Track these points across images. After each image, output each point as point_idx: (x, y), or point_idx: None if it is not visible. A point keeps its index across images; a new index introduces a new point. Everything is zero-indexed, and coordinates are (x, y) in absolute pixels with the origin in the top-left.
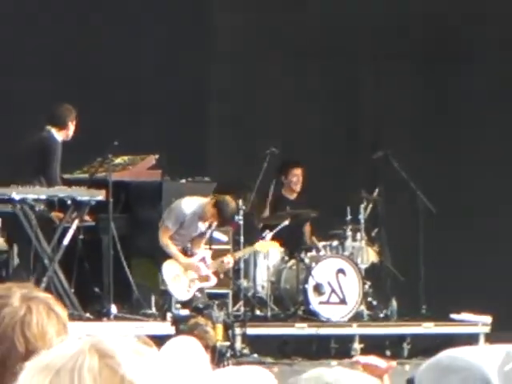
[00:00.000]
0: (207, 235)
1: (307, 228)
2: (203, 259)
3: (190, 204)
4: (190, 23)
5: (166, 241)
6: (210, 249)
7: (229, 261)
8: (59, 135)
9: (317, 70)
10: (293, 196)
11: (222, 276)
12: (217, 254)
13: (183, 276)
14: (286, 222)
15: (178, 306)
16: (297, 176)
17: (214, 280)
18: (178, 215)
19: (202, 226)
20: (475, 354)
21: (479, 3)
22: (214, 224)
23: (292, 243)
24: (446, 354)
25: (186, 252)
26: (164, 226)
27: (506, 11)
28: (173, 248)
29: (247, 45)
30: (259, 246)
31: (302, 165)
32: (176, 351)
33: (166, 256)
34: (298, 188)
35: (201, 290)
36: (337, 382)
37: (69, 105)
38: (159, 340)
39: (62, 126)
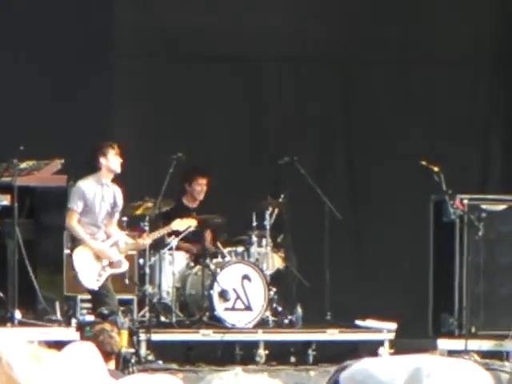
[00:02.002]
0: (115, 214)
1: (208, 234)
2: (116, 243)
3: (88, 181)
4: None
5: (72, 223)
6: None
7: (145, 242)
8: None
9: (221, 75)
10: (194, 204)
11: (127, 281)
12: (136, 238)
13: (95, 262)
14: (192, 228)
15: (84, 311)
16: (201, 186)
17: (125, 265)
18: (80, 194)
19: (108, 192)
20: (386, 370)
21: None
22: (119, 202)
23: (197, 249)
24: (360, 368)
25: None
26: (69, 210)
27: None
28: (80, 231)
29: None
30: (176, 224)
31: (208, 175)
32: (73, 357)
33: (71, 262)
34: (200, 197)
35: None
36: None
37: None
38: (64, 346)
39: None
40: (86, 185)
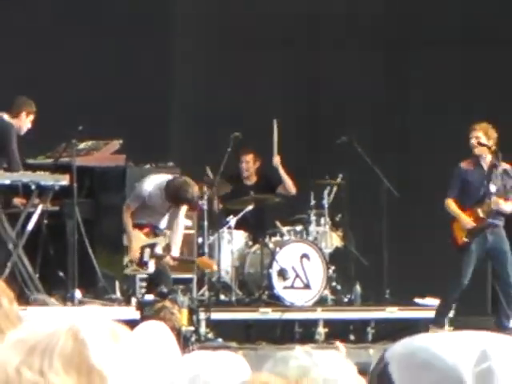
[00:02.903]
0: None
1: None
2: (154, 245)
3: (152, 180)
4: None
5: (124, 218)
6: None
7: (170, 263)
8: (12, 121)
9: (274, 59)
10: (251, 181)
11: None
12: (183, 239)
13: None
14: (250, 207)
15: (143, 290)
16: (246, 163)
17: (151, 268)
18: (139, 192)
19: (165, 206)
20: (451, 351)
21: None
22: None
23: (255, 228)
24: (422, 346)
25: (156, 228)
26: (125, 204)
27: None
28: (128, 226)
29: (208, 33)
30: (199, 260)
31: (252, 151)
32: (147, 337)
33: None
34: (247, 174)
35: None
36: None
37: (28, 99)
38: (124, 325)
39: (14, 113)
40: (150, 183)
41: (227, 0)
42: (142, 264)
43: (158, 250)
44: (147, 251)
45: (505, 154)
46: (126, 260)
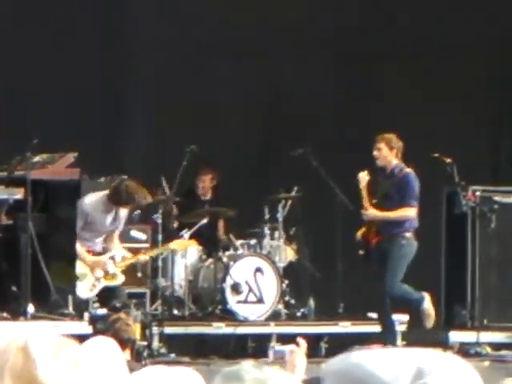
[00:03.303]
0: (119, 227)
1: (220, 225)
2: (112, 257)
3: (90, 198)
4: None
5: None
6: (128, 249)
7: (143, 259)
8: None
9: (235, 66)
10: (207, 196)
11: (140, 275)
12: (135, 253)
13: (89, 275)
14: (205, 221)
15: (96, 305)
16: (203, 182)
17: (121, 278)
18: (81, 212)
19: (109, 218)
20: (386, 369)
21: None
22: (122, 211)
23: (209, 242)
24: (357, 364)
25: (94, 253)
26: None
27: None
28: (78, 247)
29: (168, 43)
30: (174, 244)
31: (211, 171)
32: (94, 352)
33: None
34: (205, 192)
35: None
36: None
37: None
38: (77, 340)
39: None
40: (89, 201)
41: (188, 9)
42: (111, 276)
43: (118, 259)
44: (110, 263)
45: None
46: (89, 284)
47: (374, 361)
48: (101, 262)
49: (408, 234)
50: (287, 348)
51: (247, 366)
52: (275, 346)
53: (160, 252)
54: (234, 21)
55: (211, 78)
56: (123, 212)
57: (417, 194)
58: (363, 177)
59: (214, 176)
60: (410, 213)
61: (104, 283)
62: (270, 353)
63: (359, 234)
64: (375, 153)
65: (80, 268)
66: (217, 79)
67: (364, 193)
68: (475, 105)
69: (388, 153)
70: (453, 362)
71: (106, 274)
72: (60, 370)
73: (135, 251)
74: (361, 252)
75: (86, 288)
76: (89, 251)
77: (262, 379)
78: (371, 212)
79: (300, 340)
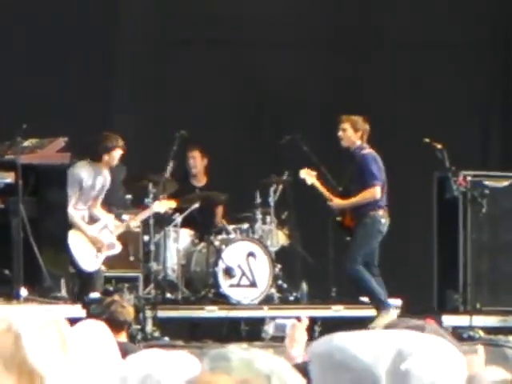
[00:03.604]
0: (101, 194)
1: (219, 210)
2: (106, 226)
3: (81, 165)
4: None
5: (70, 211)
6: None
7: (133, 225)
8: None
9: (222, 59)
10: (200, 183)
11: (132, 259)
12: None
13: (90, 246)
14: (196, 205)
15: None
16: (192, 158)
17: (118, 247)
18: (73, 180)
19: (100, 180)
20: (367, 352)
21: None
22: (106, 173)
23: (202, 226)
24: (340, 347)
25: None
26: (69, 201)
27: None
28: (76, 218)
29: (147, 34)
30: (156, 205)
31: (199, 147)
32: (84, 334)
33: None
34: (194, 171)
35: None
36: (272, 373)
37: None
38: (70, 323)
39: None
40: (80, 168)
41: (163, 0)
42: (109, 246)
43: (111, 227)
44: (105, 232)
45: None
46: (91, 256)
47: (356, 344)
48: (99, 240)
49: (372, 213)
50: (288, 322)
51: (234, 348)
52: (276, 319)
53: (146, 215)
54: (211, 11)
55: (200, 66)
56: (107, 174)
57: (375, 173)
58: (306, 174)
59: (202, 153)
60: (373, 194)
61: (105, 253)
62: (271, 326)
63: (340, 221)
64: (340, 133)
65: (79, 239)
66: (207, 67)
67: (318, 187)
68: (465, 90)
69: (352, 134)
70: (433, 343)
71: (105, 245)
72: (48, 349)
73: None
74: (348, 238)
75: (91, 261)
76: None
77: (248, 359)
78: (336, 202)
79: (302, 316)
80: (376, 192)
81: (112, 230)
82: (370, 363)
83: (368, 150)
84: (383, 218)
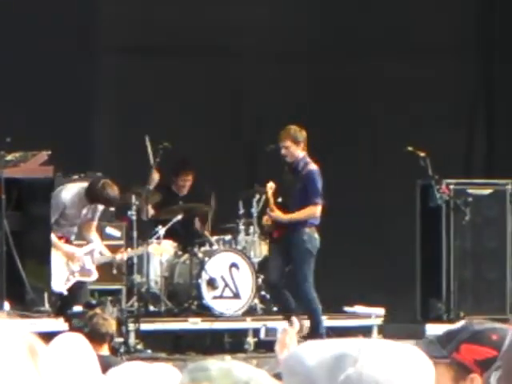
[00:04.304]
0: (95, 218)
1: (197, 221)
2: (91, 252)
3: (67, 191)
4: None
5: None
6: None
7: (119, 259)
8: None
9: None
10: (182, 192)
11: (115, 272)
12: (110, 250)
13: (64, 267)
14: (179, 217)
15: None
16: (184, 181)
17: (95, 275)
18: (57, 203)
19: (84, 210)
20: (313, 357)
21: None
22: (99, 207)
23: (185, 238)
24: (293, 354)
25: (68, 240)
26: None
27: None
28: (53, 236)
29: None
30: (152, 248)
31: (193, 170)
32: (64, 350)
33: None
34: (184, 191)
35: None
36: (251, 380)
37: None
38: (53, 337)
39: None
40: (67, 193)
41: (149, 8)
42: (86, 272)
43: (97, 255)
44: (87, 259)
45: None
46: (63, 277)
47: (307, 350)
48: (75, 256)
49: (308, 230)
50: (279, 326)
51: (212, 360)
52: (267, 324)
53: (139, 253)
54: (195, 17)
55: (182, 75)
56: (100, 206)
57: (320, 191)
58: (271, 186)
59: (194, 174)
60: (314, 212)
61: (78, 278)
62: (262, 330)
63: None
64: (283, 151)
65: (55, 259)
66: (188, 76)
67: (270, 199)
68: (449, 99)
69: (295, 149)
70: (386, 349)
71: (81, 268)
72: (30, 366)
73: (112, 249)
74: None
75: (61, 282)
76: (61, 237)
77: (226, 368)
78: (277, 214)
79: (294, 319)
80: (317, 211)
81: (96, 259)
82: (313, 367)
83: (313, 166)
84: (316, 235)
